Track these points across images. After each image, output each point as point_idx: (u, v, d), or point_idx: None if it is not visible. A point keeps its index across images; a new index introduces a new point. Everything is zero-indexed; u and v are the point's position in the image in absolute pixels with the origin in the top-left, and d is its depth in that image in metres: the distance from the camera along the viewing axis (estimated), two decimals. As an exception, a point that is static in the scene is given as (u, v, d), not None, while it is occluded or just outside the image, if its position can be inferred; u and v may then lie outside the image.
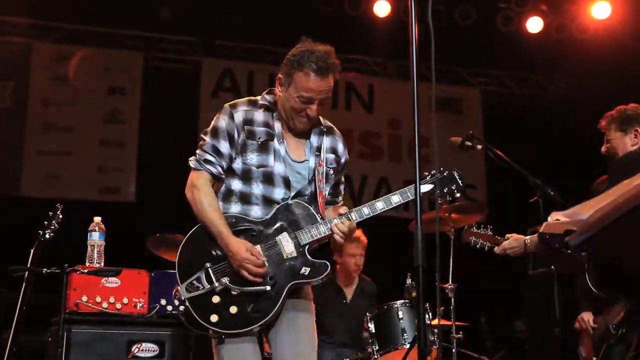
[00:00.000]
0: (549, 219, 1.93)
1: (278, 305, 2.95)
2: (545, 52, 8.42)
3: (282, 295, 2.96)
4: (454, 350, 4.76)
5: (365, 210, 3.07)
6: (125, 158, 8.07)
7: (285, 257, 3.00)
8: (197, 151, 3.13)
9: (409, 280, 4.86)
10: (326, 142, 3.22)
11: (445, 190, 3.17)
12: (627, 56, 8.05)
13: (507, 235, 3.77)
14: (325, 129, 3.23)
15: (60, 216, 4.11)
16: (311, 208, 3.07)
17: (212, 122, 3.14)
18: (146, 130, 8.07)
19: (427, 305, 4.59)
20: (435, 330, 4.62)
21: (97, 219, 4.30)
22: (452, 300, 4.91)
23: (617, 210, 1.74)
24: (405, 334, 4.56)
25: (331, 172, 3.21)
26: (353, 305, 5.42)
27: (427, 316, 4.63)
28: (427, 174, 3.13)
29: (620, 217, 1.76)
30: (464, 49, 8.27)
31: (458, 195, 3.19)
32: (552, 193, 4.26)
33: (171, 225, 4.48)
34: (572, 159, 8.17)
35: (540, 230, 2.11)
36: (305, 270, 3.00)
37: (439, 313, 4.87)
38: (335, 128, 3.30)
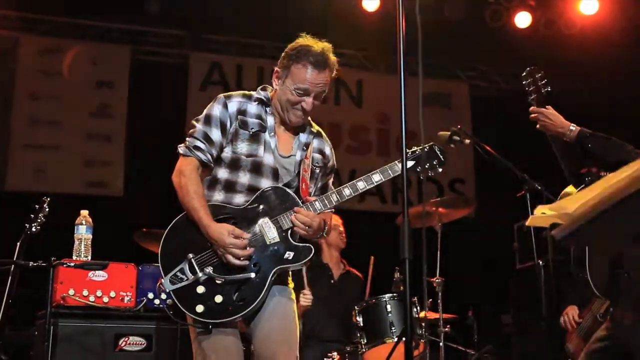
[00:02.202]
0: (535, 212, 1.93)
1: (264, 292, 2.94)
2: (533, 47, 8.45)
3: (267, 281, 2.95)
4: (441, 343, 4.79)
5: (347, 191, 3.07)
6: (112, 152, 8.03)
7: (268, 243, 3.00)
8: (187, 138, 3.13)
9: (397, 274, 4.88)
10: (315, 142, 3.25)
11: (426, 166, 3.17)
12: (614, 52, 8.10)
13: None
14: (315, 131, 3.28)
15: (47, 209, 4.09)
16: (292, 192, 3.07)
17: (205, 110, 3.15)
18: (134, 124, 8.03)
19: (415, 298, 4.61)
20: (423, 324, 4.65)
21: (84, 212, 4.29)
22: (440, 294, 4.94)
23: (603, 205, 1.74)
24: (393, 328, 4.58)
25: (317, 170, 3.23)
26: (340, 286, 5.45)
27: (415, 310, 4.65)
28: (408, 150, 3.11)
29: (605, 211, 1.77)
30: (453, 43, 8.29)
31: (440, 170, 3.18)
32: (539, 187, 4.28)
33: (159, 219, 4.46)
34: (559, 153, 8.21)
35: (526, 224, 2.13)
36: (289, 254, 2.99)
37: (427, 306, 4.90)
38: (324, 133, 3.33)
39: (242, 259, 2.93)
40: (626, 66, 7.73)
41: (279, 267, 2.98)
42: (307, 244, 3.03)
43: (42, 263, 3.80)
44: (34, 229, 4.02)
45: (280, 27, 8.24)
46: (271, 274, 2.96)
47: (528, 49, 8.45)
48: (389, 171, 3.08)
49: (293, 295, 3.16)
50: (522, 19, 8.25)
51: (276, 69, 3.15)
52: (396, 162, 3.07)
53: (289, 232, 3.01)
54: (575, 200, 1.83)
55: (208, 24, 8.22)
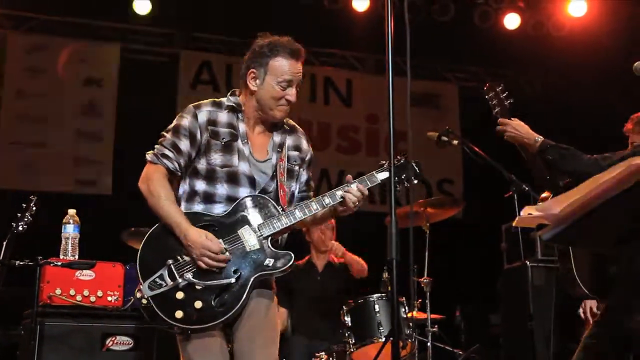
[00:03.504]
0: (522, 213, 1.95)
1: (243, 299, 2.95)
2: (521, 48, 8.49)
3: (247, 288, 2.96)
4: (429, 343, 4.80)
5: (327, 200, 3.09)
6: (101, 150, 8.00)
7: (248, 250, 3.00)
8: (156, 146, 3.13)
9: (385, 274, 4.89)
10: (289, 140, 3.24)
11: (402, 177, 3.19)
12: (602, 54, 8.14)
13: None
14: (288, 128, 3.26)
15: (34, 208, 4.07)
16: (271, 200, 3.08)
17: (175, 121, 3.14)
18: (123, 122, 8.00)
19: (404, 298, 4.62)
20: (411, 324, 4.66)
21: (72, 211, 4.27)
22: (428, 294, 4.95)
23: (588, 205, 1.76)
24: (381, 328, 4.58)
25: (296, 168, 3.23)
26: (324, 277, 5.46)
27: (403, 309, 4.66)
28: (382, 162, 3.16)
29: (591, 211, 1.78)
30: (442, 44, 8.32)
31: (415, 181, 3.20)
32: (526, 188, 4.31)
33: (147, 218, 4.45)
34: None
35: (513, 224, 2.14)
36: (269, 261, 3.00)
37: (416, 306, 4.91)
38: (297, 126, 3.33)
39: (217, 263, 2.93)
40: (614, 68, 7.77)
41: (259, 273, 2.99)
42: (287, 251, 3.04)
43: (28, 262, 3.79)
44: (20, 228, 4.00)
45: (271, 26, 8.25)
46: (251, 281, 2.97)
47: (517, 51, 8.50)
48: (367, 181, 3.12)
49: (274, 298, 3.17)
50: (511, 21, 8.29)
51: (251, 70, 3.12)
52: (374, 172, 3.14)
53: (269, 239, 3.03)
54: (562, 202, 1.84)
55: (198, 23, 8.20)
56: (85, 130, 7.98)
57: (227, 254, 2.96)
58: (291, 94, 3.10)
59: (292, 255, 3.03)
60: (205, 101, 3.20)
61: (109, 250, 4.51)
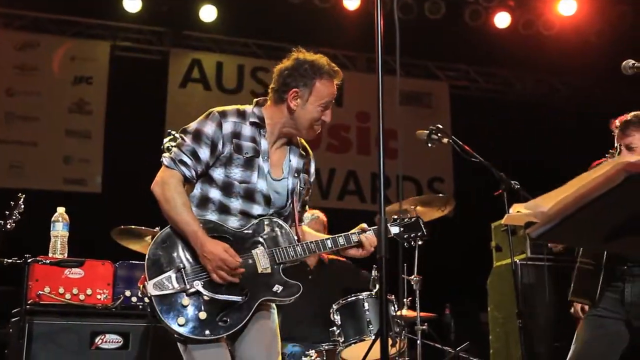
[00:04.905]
0: (511, 210, 1.95)
1: (247, 318, 2.94)
2: (512, 47, 8.52)
3: (252, 309, 2.96)
4: (418, 341, 4.81)
5: (341, 240, 3.15)
6: (91, 149, 7.98)
7: (259, 272, 2.99)
8: (174, 149, 3.04)
9: (374, 272, 4.88)
10: (302, 164, 3.23)
11: (411, 235, 3.31)
12: (592, 53, 8.18)
13: None
14: (304, 153, 3.24)
15: (22, 206, 4.04)
16: (289, 229, 3.09)
17: (196, 124, 3.04)
18: (113, 120, 7.98)
19: (393, 296, 4.62)
20: (401, 322, 4.66)
21: (61, 209, 4.25)
22: (418, 292, 4.96)
23: (576, 203, 1.76)
24: (370, 326, 4.57)
25: (303, 191, 3.25)
26: (316, 275, 5.43)
27: (392, 307, 4.66)
28: (396, 217, 3.29)
29: (579, 209, 1.79)
30: (433, 43, 8.34)
31: (420, 242, 3.37)
32: (516, 186, 4.31)
33: (137, 216, 4.45)
34: (538, 152, 8.30)
35: (502, 222, 2.15)
36: (278, 288, 3.01)
37: (405, 304, 4.91)
38: (309, 148, 3.32)
39: (232, 278, 2.91)
40: (604, 66, 7.81)
41: (266, 297, 2.99)
42: (296, 282, 3.05)
43: (17, 260, 3.76)
44: (8, 226, 3.97)
45: (261, 25, 8.26)
46: (257, 302, 2.97)
47: (507, 49, 8.53)
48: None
49: (276, 317, 3.18)
50: (502, 19, 8.32)
51: (294, 90, 3.04)
52: (388, 225, 3.21)
53: (281, 266, 3.03)
54: (550, 199, 1.84)
55: (188, 21, 8.18)
56: (75, 128, 7.96)
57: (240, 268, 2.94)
58: (328, 114, 3.10)
59: (300, 286, 3.04)
60: (230, 108, 3.10)
61: (98, 248, 4.49)
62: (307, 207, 3.40)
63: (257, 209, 3.05)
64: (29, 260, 3.77)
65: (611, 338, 3.71)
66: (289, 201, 3.14)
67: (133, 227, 4.52)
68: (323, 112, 3.07)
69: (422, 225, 3.35)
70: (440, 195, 5.85)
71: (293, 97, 3.05)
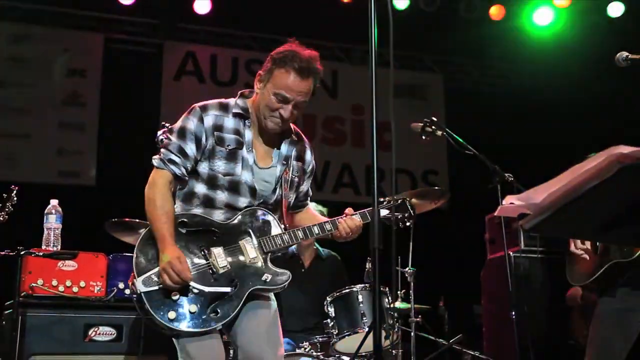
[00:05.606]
0: (504, 202, 1.95)
1: (237, 309, 2.96)
2: (507, 39, 8.52)
3: (242, 299, 2.97)
4: (412, 333, 4.82)
5: (328, 226, 3.17)
6: (85, 141, 7.94)
7: (247, 262, 3.01)
8: (162, 150, 3.07)
9: (368, 264, 4.88)
10: (294, 151, 3.23)
11: (398, 217, 3.34)
12: (587, 45, 8.18)
13: None
14: (295, 138, 3.24)
15: (15, 199, 4.04)
16: (275, 217, 3.10)
17: (180, 122, 3.09)
18: (107, 113, 7.95)
19: (387, 289, 4.63)
20: (394, 314, 4.66)
21: (54, 201, 4.24)
22: (412, 284, 4.96)
23: (569, 194, 1.76)
24: (365, 318, 4.58)
25: (296, 179, 3.24)
26: (312, 272, 5.43)
27: (386, 300, 4.67)
28: (382, 200, 3.25)
29: (572, 201, 1.79)
30: (428, 35, 8.32)
31: (408, 224, 3.39)
32: (510, 179, 4.32)
33: (131, 209, 4.43)
34: (533, 145, 8.30)
35: (496, 214, 2.15)
36: (267, 277, 3.03)
37: (399, 296, 4.92)
38: (304, 136, 3.32)
39: (173, 285, 2.88)
40: (601, 56, 7.82)
41: (255, 286, 3.01)
42: (285, 270, 3.07)
43: (9, 252, 3.76)
44: (1, 218, 3.97)
45: (256, 17, 8.23)
46: (247, 293, 2.99)
47: (502, 42, 8.53)
48: (368, 215, 3.17)
49: (273, 305, 3.18)
50: (497, 12, 8.31)
51: (259, 72, 3.09)
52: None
53: (269, 255, 3.05)
54: (543, 191, 1.84)
55: (182, 14, 8.14)
56: (69, 120, 7.92)
57: (191, 279, 2.91)
58: (285, 109, 3.03)
59: (289, 274, 3.07)
60: (211, 102, 3.13)
61: (92, 241, 4.48)
62: (309, 196, 3.41)
63: (242, 201, 3.07)
64: (22, 253, 3.78)
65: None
66: (277, 188, 3.13)
67: (127, 219, 4.51)
68: (280, 104, 3.03)
69: (409, 207, 3.37)
70: (435, 187, 5.86)
71: (257, 79, 3.11)
